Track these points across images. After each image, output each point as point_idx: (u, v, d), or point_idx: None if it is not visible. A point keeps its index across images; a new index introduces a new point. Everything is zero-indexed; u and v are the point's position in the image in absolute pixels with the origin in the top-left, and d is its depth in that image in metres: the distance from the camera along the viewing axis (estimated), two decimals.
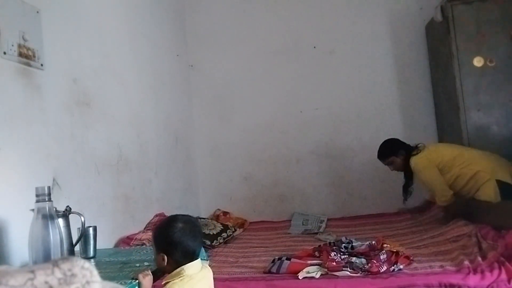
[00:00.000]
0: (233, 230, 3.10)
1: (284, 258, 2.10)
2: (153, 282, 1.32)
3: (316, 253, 2.20)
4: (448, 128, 3.15)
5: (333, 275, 1.90)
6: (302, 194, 3.62)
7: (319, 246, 2.31)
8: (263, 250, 2.63)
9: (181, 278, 1.28)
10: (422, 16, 3.43)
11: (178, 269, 1.30)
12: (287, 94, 3.68)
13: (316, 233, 3.07)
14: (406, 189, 2.90)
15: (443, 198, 2.61)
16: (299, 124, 3.65)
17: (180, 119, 3.49)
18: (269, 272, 2.04)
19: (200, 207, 3.64)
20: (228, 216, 3.51)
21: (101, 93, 2.28)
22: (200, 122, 3.80)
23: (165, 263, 1.30)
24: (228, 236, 2.96)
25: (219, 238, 2.84)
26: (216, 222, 3.08)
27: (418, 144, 2.72)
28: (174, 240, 1.30)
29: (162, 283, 1.32)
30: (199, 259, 1.37)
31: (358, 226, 3.10)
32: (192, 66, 3.84)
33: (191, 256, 1.33)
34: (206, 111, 3.81)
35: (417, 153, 2.65)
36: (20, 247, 1.50)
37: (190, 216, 1.46)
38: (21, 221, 1.42)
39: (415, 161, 2.64)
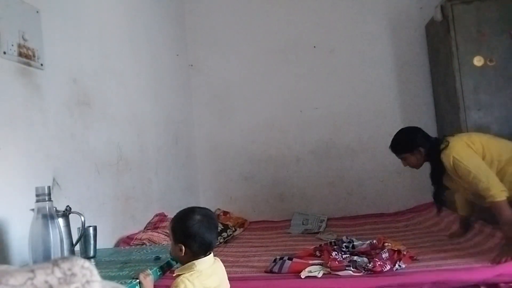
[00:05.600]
0: (233, 229, 3.11)
1: (285, 257, 2.10)
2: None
3: (317, 253, 2.20)
4: (448, 127, 3.14)
5: (336, 274, 1.90)
6: (302, 194, 3.62)
7: (320, 245, 2.31)
8: (264, 249, 2.64)
9: (191, 272, 1.31)
10: (422, 16, 3.43)
11: (189, 263, 1.34)
12: (287, 94, 3.68)
13: (317, 233, 3.07)
14: (440, 197, 2.29)
15: (501, 189, 1.96)
16: (299, 124, 3.65)
17: (180, 119, 3.49)
18: (271, 271, 2.04)
19: None
20: (228, 215, 3.51)
21: (101, 93, 2.28)
22: (200, 122, 3.80)
23: (182, 254, 1.34)
24: (228, 235, 2.96)
25: (219, 237, 2.85)
26: None
27: (444, 137, 2.21)
28: (192, 232, 1.34)
29: (174, 275, 1.35)
30: (211, 254, 1.40)
31: (358, 226, 3.11)
32: (192, 65, 3.84)
33: (207, 248, 1.38)
34: (206, 111, 3.81)
35: (446, 146, 2.10)
36: (20, 247, 1.50)
37: (207, 208, 1.49)
38: (21, 221, 1.42)
39: (455, 151, 2.05)
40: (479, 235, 2.26)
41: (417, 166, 2.28)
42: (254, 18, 3.76)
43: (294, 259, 2.09)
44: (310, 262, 2.05)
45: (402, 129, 2.36)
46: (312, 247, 2.30)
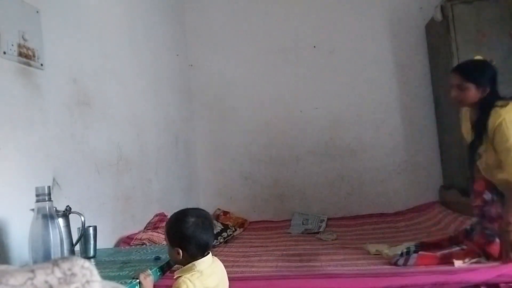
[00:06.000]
0: (233, 229, 3.11)
1: (412, 250, 2.06)
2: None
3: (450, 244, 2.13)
4: (448, 128, 3.14)
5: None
6: (302, 194, 3.62)
7: (454, 236, 2.23)
8: (264, 249, 2.64)
9: (192, 273, 1.31)
10: (422, 16, 3.43)
11: (189, 265, 1.34)
12: (287, 94, 3.68)
13: (317, 233, 3.08)
14: (475, 150, 2.03)
15: None
16: (299, 124, 3.65)
17: (180, 119, 3.49)
18: (395, 264, 2.01)
19: (200, 207, 3.63)
20: (228, 215, 3.51)
21: (101, 93, 2.28)
22: (200, 122, 3.80)
23: (180, 257, 1.35)
24: (228, 235, 2.96)
25: (219, 237, 2.85)
26: (216, 221, 3.09)
27: (506, 98, 2.00)
28: (187, 235, 1.34)
29: (174, 277, 1.35)
30: (210, 254, 1.40)
31: (358, 226, 3.11)
32: (192, 65, 3.84)
33: (204, 249, 1.37)
34: (206, 111, 3.81)
35: (503, 106, 1.93)
36: (20, 247, 1.50)
37: (200, 209, 1.49)
38: (21, 221, 1.42)
39: (508, 115, 1.89)
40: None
41: (468, 102, 2.02)
42: (254, 18, 3.76)
43: (421, 253, 2.03)
44: (438, 254, 2.00)
45: (483, 60, 2.07)
46: (445, 236, 2.25)
